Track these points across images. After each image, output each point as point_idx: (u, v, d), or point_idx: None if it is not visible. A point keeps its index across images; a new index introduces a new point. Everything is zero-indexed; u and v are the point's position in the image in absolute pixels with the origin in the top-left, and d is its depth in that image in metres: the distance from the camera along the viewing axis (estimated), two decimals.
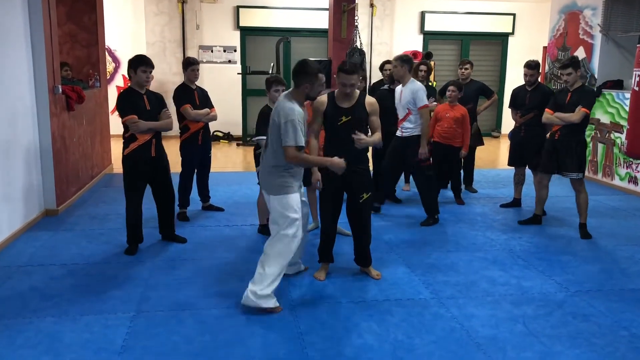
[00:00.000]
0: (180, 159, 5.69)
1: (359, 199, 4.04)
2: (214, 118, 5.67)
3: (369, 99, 4.02)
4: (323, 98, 4.02)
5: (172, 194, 4.89)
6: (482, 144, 6.87)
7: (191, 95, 5.53)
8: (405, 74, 5.39)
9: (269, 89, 4.84)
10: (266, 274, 3.56)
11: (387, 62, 6.80)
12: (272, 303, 3.59)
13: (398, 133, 5.57)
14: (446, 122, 6.08)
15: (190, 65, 5.53)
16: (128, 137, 4.60)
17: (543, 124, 5.43)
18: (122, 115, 4.51)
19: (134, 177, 4.62)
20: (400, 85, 5.50)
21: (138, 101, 4.51)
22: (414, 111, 5.37)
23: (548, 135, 5.39)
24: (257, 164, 4.86)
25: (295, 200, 3.64)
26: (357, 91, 4.02)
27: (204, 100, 5.64)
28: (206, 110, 5.58)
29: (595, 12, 7.78)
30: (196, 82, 5.67)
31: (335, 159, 3.71)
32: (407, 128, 5.46)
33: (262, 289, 3.54)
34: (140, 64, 4.45)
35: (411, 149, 5.44)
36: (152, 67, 4.54)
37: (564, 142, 5.13)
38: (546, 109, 5.25)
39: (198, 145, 5.64)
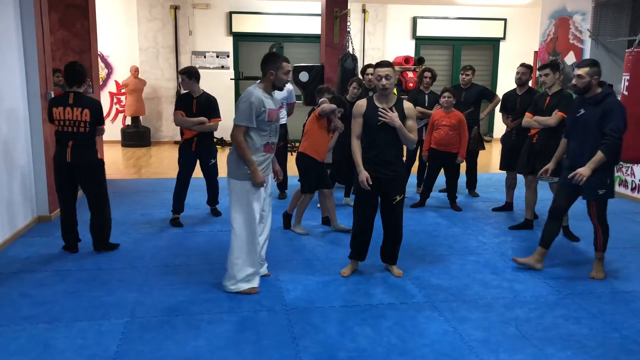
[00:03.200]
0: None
1: (392, 200, 4.14)
2: (210, 128, 5.56)
3: (407, 103, 4.11)
4: (362, 101, 4.16)
5: (99, 203, 4.87)
6: (483, 148, 6.90)
7: (188, 103, 5.52)
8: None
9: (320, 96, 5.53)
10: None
11: (369, 66, 6.83)
12: (243, 287, 3.95)
13: None
14: (443, 130, 6.12)
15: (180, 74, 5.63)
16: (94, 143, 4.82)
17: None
18: (103, 122, 4.76)
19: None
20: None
21: None
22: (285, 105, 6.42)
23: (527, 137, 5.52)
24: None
25: (251, 186, 3.85)
26: (395, 95, 4.14)
27: (205, 108, 5.51)
28: (198, 119, 5.45)
29: (584, 18, 7.86)
30: (202, 89, 5.64)
31: (259, 172, 3.81)
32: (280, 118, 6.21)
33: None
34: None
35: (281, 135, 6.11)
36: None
37: (542, 145, 5.21)
38: (527, 113, 5.37)
39: (191, 151, 5.61)
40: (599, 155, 4.02)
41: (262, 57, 3.97)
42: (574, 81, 4.17)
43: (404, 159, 6.48)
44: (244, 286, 3.93)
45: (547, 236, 4.46)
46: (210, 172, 5.87)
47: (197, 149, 5.62)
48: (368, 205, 4.21)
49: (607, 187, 4.15)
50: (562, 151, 4.54)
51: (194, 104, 5.52)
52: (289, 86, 6.49)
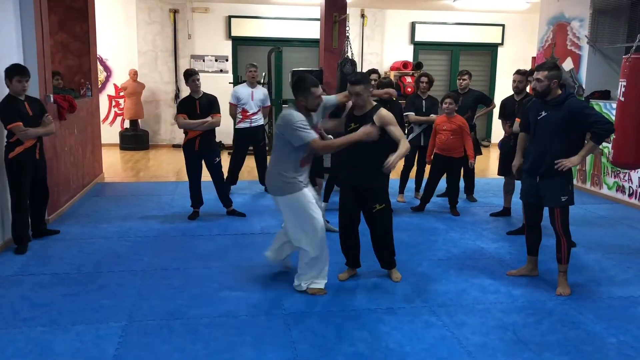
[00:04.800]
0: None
1: (372, 209, 4.14)
2: (213, 125, 5.78)
3: (380, 112, 3.99)
4: (349, 104, 4.25)
5: (47, 191, 5.13)
6: (480, 153, 6.92)
7: (191, 105, 5.73)
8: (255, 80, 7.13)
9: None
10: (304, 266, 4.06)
11: (374, 71, 6.85)
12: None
13: (245, 125, 7.04)
14: (444, 134, 6.12)
15: (189, 76, 5.76)
16: (14, 142, 4.74)
17: None
18: (6, 122, 4.68)
19: (22, 178, 4.80)
20: (251, 87, 7.12)
21: (20, 107, 4.72)
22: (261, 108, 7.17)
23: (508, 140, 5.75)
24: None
25: (304, 195, 3.93)
26: (373, 102, 4.13)
27: (208, 108, 5.77)
28: (201, 120, 5.68)
29: (582, 24, 7.89)
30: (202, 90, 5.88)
31: (365, 127, 3.85)
32: (257, 119, 7.12)
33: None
34: (16, 74, 4.65)
35: (260, 134, 7.23)
36: (28, 76, 4.77)
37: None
38: (516, 119, 5.45)
39: (195, 151, 5.81)
40: (590, 143, 4.01)
41: (292, 81, 4.01)
42: (533, 84, 4.16)
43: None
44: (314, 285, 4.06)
45: (531, 245, 4.46)
46: (216, 171, 6.00)
47: (199, 148, 5.81)
48: (346, 215, 4.24)
49: (569, 193, 4.09)
50: (523, 144, 4.45)
51: (197, 105, 5.74)
52: (265, 90, 7.28)
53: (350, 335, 3.44)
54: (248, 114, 7.04)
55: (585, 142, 4.08)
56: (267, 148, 7.51)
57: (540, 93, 4.08)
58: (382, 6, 11.37)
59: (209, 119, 5.72)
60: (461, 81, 6.74)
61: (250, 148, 7.30)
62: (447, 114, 6.14)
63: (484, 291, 4.19)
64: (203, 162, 5.96)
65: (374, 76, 6.74)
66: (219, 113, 5.87)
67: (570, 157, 3.99)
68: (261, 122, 7.21)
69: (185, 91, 10.76)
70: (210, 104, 5.80)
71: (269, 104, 7.34)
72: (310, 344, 3.32)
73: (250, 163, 7.86)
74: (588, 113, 3.98)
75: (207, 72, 11.17)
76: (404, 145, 3.89)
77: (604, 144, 7.35)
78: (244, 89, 7.13)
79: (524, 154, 4.38)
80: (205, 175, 6.03)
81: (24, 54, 5.36)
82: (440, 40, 11.84)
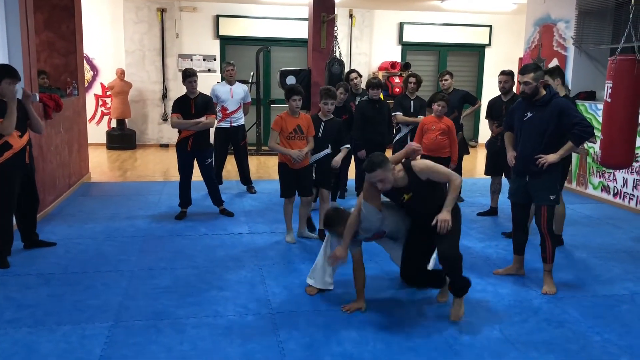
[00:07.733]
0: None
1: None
2: (206, 125, 5.78)
3: (416, 167, 3.66)
4: None
5: (37, 198, 4.86)
6: (468, 152, 6.95)
7: (186, 104, 5.76)
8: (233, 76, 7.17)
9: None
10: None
11: (353, 71, 6.89)
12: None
13: (225, 124, 7.01)
14: (432, 134, 6.04)
15: (187, 76, 5.77)
16: (1, 145, 4.32)
17: None
18: None
19: (10, 186, 4.44)
20: (229, 84, 7.12)
21: (3, 108, 4.29)
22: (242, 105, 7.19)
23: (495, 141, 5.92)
24: None
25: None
26: (399, 171, 3.70)
27: (202, 108, 5.78)
28: (194, 120, 5.69)
29: (568, 25, 7.97)
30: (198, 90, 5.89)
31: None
32: (237, 119, 7.11)
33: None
34: (6, 76, 4.25)
35: (240, 134, 7.18)
36: (19, 79, 4.38)
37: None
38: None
39: (187, 151, 5.83)
40: (569, 144, 4.06)
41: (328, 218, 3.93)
42: (521, 88, 4.17)
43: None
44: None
45: (518, 244, 4.50)
46: (207, 172, 6.01)
47: (192, 149, 5.83)
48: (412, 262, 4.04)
49: (557, 192, 4.16)
50: (511, 140, 4.46)
51: (192, 105, 5.75)
52: (245, 87, 7.32)
53: (338, 335, 3.44)
54: (228, 112, 7.06)
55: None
56: (247, 147, 7.49)
57: (530, 95, 4.12)
58: (370, 6, 11.40)
59: (202, 119, 5.70)
60: (443, 82, 6.78)
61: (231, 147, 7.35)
62: (437, 115, 6.08)
63: (471, 290, 4.16)
64: (195, 162, 5.95)
65: (353, 75, 6.77)
66: (214, 114, 5.88)
67: (548, 155, 4.05)
68: (241, 121, 7.22)
69: (173, 90, 10.79)
70: (205, 105, 5.80)
71: (249, 100, 7.38)
72: (297, 344, 3.32)
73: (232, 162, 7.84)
74: (572, 114, 4.04)
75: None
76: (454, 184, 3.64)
77: (590, 144, 7.42)
78: (222, 87, 7.14)
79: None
80: (195, 176, 6.01)
81: (9, 53, 5.30)
82: (428, 41, 11.90)
